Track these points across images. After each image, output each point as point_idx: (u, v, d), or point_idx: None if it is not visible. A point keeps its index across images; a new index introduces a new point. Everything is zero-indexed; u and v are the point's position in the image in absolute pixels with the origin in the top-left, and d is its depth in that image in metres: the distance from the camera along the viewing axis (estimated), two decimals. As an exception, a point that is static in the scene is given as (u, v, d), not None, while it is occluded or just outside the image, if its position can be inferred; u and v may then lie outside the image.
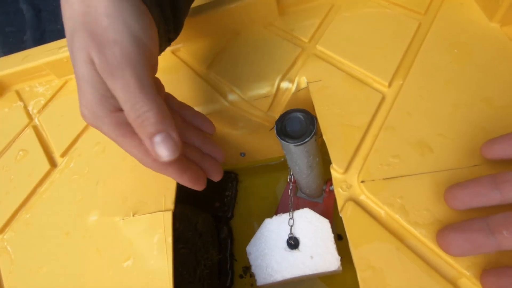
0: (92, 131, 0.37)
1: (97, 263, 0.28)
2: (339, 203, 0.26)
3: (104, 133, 0.21)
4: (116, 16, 0.18)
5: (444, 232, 0.21)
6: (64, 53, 0.40)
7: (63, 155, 0.36)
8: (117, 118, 0.20)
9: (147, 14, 0.20)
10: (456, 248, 0.20)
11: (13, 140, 0.40)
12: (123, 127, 0.20)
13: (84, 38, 0.18)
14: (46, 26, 1.16)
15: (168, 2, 0.24)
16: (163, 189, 0.30)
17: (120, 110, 0.20)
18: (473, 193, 0.21)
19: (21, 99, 0.44)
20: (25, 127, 0.40)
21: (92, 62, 0.18)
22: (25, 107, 0.43)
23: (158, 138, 0.19)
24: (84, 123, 0.38)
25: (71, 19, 0.19)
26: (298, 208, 0.37)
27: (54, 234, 0.31)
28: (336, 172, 0.27)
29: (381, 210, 0.25)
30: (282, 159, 0.50)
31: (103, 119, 0.20)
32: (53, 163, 0.36)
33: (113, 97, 0.19)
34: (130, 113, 0.19)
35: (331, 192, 0.43)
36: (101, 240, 0.29)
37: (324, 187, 0.43)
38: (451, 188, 0.22)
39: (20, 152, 0.38)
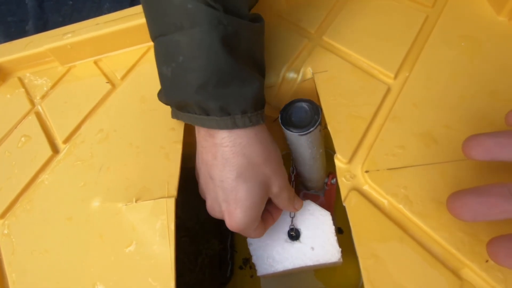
0: (95, 118, 0.37)
1: (100, 248, 0.28)
2: (343, 192, 0.26)
3: (248, 231, 0.28)
4: (277, 173, 0.28)
5: (458, 195, 0.19)
6: (68, 40, 0.40)
7: (66, 141, 0.36)
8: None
9: None
10: (469, 211, 0.18)
11: (15, 126, 0.40)
12: (259, 223, 0.29)
13: (261, 185, 0.26)
14: (49, 16, 1.15)
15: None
16: (166, 176, 0.30)
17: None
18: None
19: (23, 85, 0.44)
20: (27, 113, 0.40)
21: (266, 193, 0.27)
22: (28, 93, 0.43)
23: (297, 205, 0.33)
24: (88, 110, 0.37)
25: (236, 166, 0.25)
26: (299, 201, 0.37)
27: (56, 219, 0.31)
28: (340, 162, 0.27)
29: (384, 200, 0.25)
30: (284, 152, 0.50)
31: (255, 223, 0.28)
32: (55, 149, 0.36)
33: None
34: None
35: (332, 186, 0.43)
36: (103, 226, 0.29)
37: (325, 180, 0.43)
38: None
39: (22, 138, 0.38)
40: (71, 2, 1.21)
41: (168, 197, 0.28)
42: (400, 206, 0.24)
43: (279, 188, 0.28)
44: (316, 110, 0.28)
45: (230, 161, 0.25)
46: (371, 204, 0.25)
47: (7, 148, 0.38)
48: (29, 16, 1.20)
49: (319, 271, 0.42)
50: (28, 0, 1.22)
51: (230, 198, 0.26)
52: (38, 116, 0.40)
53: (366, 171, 0.26)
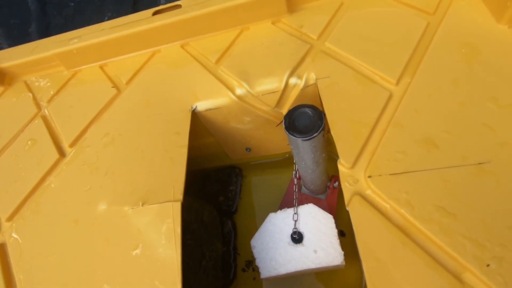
0: (101, 122, 0.38)
1: (106, 251, 0.29)
2: (346, 197, 0.26)
3: None
4: None
5: None
6: (74, 45, 0.40)
7: (72, 145, 0.37)
8: None
9: None
10: None
11: (22, 130, 0.40)
12: None
13: None
14: (51, 19, 1.16)
15: None
16: (172, 180, 0.30)
17: None
18: None
19: (29, 89, 0.44)
20: (33, 117, 0.41)
21: None
22: (34, 97, 0.43)
23: None
24: (94, 114, 0.38)
25: None
26: (301, 204, 0.38)
27: (62, 222, 0.32)
28: (343, 167, 0.28)
29: (387, 204, 0.25)
30: (287, 155, 0.51)
31: None
32: (61, 153, 0.37)
33: None
34: None
35: (335, 189, 0.44)
36: (110, 229, 0.29)
37: (328, 184, 0.43)
38: None
39: (29, 142, 0.39)
40: (72, 4, 1.22)
41: (174, 201, 0.29)
42: (402, 211, 0.24)
43: None
44: (319, 115, 0.29)
45: None
46: (374, 208, 0.25)
47: (14, 151, 0.38)
48: (31, 18, 1.20)
49: (321, 274, 0.42)
50: (31, 2, 1.23)
51: None
52: (45, 119, 0.40)
53: (369, 176, 0.26)
